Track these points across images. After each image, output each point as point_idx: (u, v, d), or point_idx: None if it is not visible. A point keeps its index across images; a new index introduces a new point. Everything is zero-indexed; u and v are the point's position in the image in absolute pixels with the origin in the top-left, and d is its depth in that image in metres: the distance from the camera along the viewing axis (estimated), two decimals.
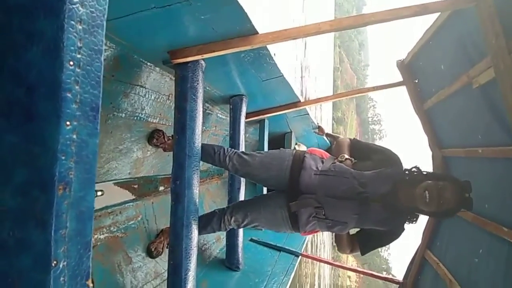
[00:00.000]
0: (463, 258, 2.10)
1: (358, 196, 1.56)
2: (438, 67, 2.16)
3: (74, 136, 0.66)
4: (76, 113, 0.66)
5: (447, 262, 2.33)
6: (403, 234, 1.65)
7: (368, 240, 1.72)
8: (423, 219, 1.99)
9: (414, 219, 1.59)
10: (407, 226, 1.62)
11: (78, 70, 0.67)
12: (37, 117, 0.64)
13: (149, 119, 1.91)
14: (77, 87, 0.66)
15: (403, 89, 2.68)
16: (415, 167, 1.60)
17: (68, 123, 0.65)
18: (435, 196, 1.43)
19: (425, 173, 1.57)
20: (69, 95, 0.65)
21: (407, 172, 1.59)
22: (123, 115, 1.70)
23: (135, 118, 1.80)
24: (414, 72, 2.53)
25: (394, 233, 1.64)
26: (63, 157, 0.64)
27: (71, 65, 0.65)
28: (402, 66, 2.58)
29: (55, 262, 0.64)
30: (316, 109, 4.47)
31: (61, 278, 0.66)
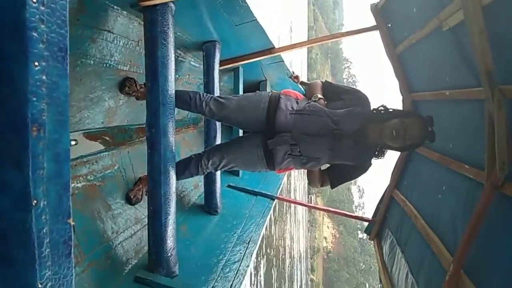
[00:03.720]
0: (428, 196, 2.26)
1: (331, 133, 1.64)
2: (410, 10, 2.16)
3: (44, 77, 0.65)
4: (44, 53, 0.65)
5: (413, 200, 2.50)
6: (370, 168, 1.76)
7: (338, 174, 1.83)
8: (391, 160, 2.12)
9: (382, 154, 1.70)
10: (374, 161, 1.73)
11: (43, 8, 0.64)
12: (3, 57, 0.62)
13: (119, 66, 1.85)
14: (42, 26, 0.64)
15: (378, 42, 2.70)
16: (382, 105, 1.68)
17: (36, 63, 0.63)
18: (402, 133, 1.53)
19: (391, 110, 1.66)
20: (35, 34, 0.62)
21: (375, 111, 1.67)
22: (92, 62, 1.64)
23: (105, 65, 1.74)
24: (387, 16, 2.52)
25: (362, 168, 1.75)
26: (34, 99, 0.63)
27: (34, 2, 0.62)
28: (376, 10, 2.56)
29: (35, 201, 0.65)
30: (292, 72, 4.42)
31: (43, 217, 0.68)
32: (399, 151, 1.96)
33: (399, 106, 2.78)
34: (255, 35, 2.53)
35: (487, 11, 1.34)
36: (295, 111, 1.72)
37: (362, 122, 1.64)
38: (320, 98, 1.78)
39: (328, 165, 1.88)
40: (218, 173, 2.40)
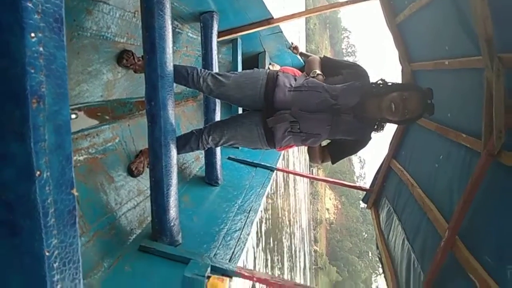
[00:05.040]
0: (425, 165, 2.29)
1: (331, 108, 1.64)
2: None
3: (41, 49, 0.65)
4: (39, 24, 0.64)
5: (410, 169, 2.54)
6: (370, 142, 1.77)
7: (338, 149, 1.84)
8: (390, 130, 2.13)
9: (381, 128, 1.70)
10: (374, 135, 1.74)
11: None
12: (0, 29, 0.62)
13: (116, 39, 1.83)
14: None
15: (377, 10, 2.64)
16: (381, 79, 1.67)
17: (32, 34, 0.63)
18: (400, 107, 1.53)
19: (390, 84, 1.65)
20: (29, 4, 0.62)
21: (373, 85, 1.66)
22: (88, 34, 1.62)
23: (101, 37, 1.72)
24: None
25: (362, 142, 1.76)
26: (32, 70, 0.64)
27: None
28: None
29: (38, 172, 0.67)
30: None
31: (46, 187, 0.70)
32: (398, 124, 1.97)
33: (399, 76, 2.77)
34: (253, 5, 2.49)
35: None
36: (293, 88, 1.71)
37: (361, 97, 1.64)
38: (318, 74, 1.76)
39: (328, 141, 1.89)
40: None
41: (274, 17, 2.84)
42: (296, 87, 1.71)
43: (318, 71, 1.79)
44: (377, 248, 2.86)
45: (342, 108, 1.64)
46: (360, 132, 1.72)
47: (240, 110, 3.26)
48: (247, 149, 3.54)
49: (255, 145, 1.88)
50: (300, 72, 1.88)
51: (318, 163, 1.92)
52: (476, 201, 1.56)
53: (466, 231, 1.60)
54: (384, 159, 3.09)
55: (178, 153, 1.75)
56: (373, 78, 1.73)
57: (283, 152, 4.30)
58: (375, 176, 3.27)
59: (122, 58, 1.91)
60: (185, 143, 1.97)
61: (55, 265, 0.74)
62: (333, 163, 1.91)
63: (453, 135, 1.89)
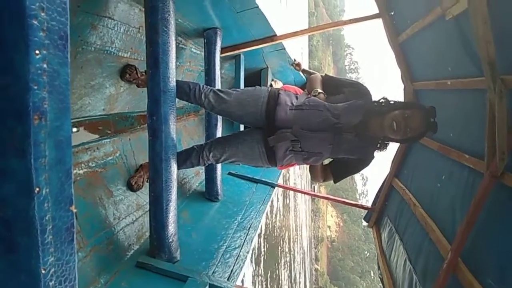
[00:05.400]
0: (427, 184, 2.28)
1: (332, 127, 1.63)
2: None
3: (45, 66, 0.65)
4: (44, 42, 0.65)
5: (412, 188, 2.52)
6: (372, 161, 1.75)
7: (341, 168, 1.83)
8: (392, 148, 2.12)
9: (384, 147, 1.69)
10: (377, 154, 1.73)
11: None
12: (4, 45, 0.62)
13: (120, 53, 1.85)
14: (43, 14, 0.64)
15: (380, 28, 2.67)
16: (383, 98, 1.67)
17: (37, 52, 0.63)
18: (402, 125, 1.52)
19: (392, 102, 1.64)
20: (35, 22, 0.63)
21: (376, 103, 1.66)
22: (92, 49, 1.63)
23: (105, 52, 1.73)
24: (390, 4, 2.50)
25: (365, 161, 1.75)
26: (35, 87, 0.64)
27: None
28: None
29: (37, 189, 0.66)
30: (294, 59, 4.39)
31: (45, 204, 0.69)
32: (401, 143, 1.96)
33: (401, 95, 2.78)
34: (256, 22, 2.51)
35: (491, 0, 1.33)
36: (294, 107, 1.70)
37: (363, 115, 1.63)
38: (320, 93, 1.76)
39: (330, 160, 1.88)
40: None
41: (277, 34, 2.87)
42: (297, 106, 1.71)
43: (320, 90, 1.79)
44: (379, 268, 2.82)
45: (344, 127, 1.63)
46: (363, 151, 1.71)
47: (241, 127, 3.26)
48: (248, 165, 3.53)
49: (256, 163, 1.87)
50: (301, 91, 1.88)
51: (320, 182, 1.90)
52: (479, 222, 1.54)
53: (469, 253, 1.57)
54: (386, 177, 3.08)
55: (179, 168, 1.75)
56: (375, 97, 1.73)
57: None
58: (376, 195, 3.25)
59: (125, 72, 1.92)
60: (186, 158, 1.96)
61: (51, 284, 0.73)
62: (335, 182, 1.89)
63: (455, 155, 1.88)
